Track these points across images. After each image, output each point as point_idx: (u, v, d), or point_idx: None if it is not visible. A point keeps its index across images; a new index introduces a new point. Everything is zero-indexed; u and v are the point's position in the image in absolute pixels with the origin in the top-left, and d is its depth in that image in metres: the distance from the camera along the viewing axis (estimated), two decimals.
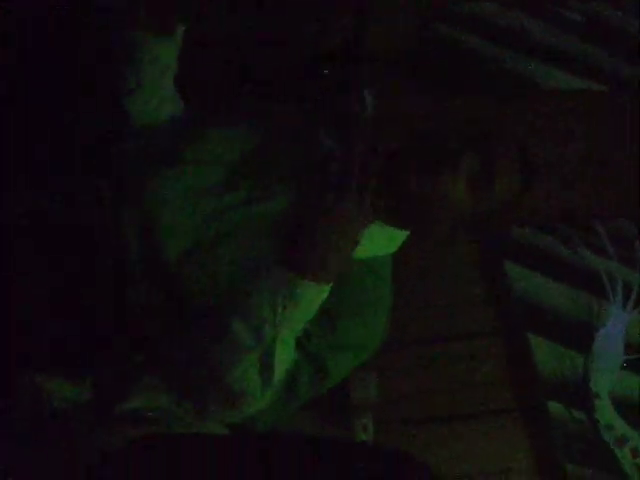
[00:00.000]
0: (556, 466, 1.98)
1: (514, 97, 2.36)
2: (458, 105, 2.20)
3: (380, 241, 1.40)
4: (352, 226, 1.24)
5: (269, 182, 1.32)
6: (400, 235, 1.44)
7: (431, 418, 2.00)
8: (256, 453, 1.19)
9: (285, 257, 1.21)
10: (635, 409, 2.03)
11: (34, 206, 1.30)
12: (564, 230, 2.21)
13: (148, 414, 1.20)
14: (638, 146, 2.34)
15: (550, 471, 1.99)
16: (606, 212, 2.26)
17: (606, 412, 2.00)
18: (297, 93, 1.91)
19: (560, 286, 2.14)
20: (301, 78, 1.90)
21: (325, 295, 1.23)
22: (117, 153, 1.37)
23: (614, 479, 1.97)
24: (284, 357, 1.21)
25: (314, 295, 1.21)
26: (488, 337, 2.09)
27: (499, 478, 1.98)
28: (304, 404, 1.35)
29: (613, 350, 2.06)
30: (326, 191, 1.29)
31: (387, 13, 2.21)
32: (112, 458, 1.15)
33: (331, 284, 1.23)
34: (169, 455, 1.19)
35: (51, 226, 1.28)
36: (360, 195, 1.27)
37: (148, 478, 1.15)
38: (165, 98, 1.43)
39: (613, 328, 2.08)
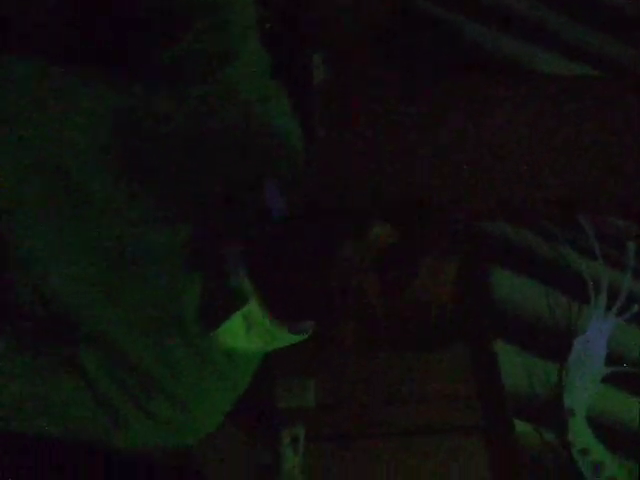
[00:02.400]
0: None
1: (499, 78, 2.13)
2: None
3: (256, 333, 1.07)
4: None
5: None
6: (284, 338, 1.10)
7: (380, 431, 1.77)
8: None
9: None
10: (617, 431, 1.77)
11: None
12: (546, 226, 1.96)
13: None
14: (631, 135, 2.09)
15: None
16: (598, 206, 2.01)
17: (581, 433, 1.74)
18: None
19: (535, 287, 1.89)
20: None
21: None
22: None
23: None
24: None
25: None
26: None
27: None
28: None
29: (592, 361, 1.80)
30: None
31: None
32: None
33: None
34: None
35: None
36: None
37: None
38: None
39: (593, 336, 1.82)
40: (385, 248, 0.99)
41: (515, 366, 1.81)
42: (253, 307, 1.04)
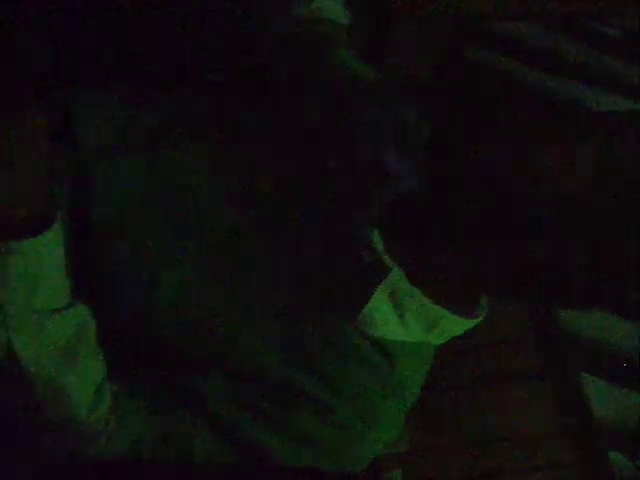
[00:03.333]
0: None
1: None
2: None
3: (414, 318, 0.89)
4: None
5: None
6: (456, 323, 0.91)
7: (476, 473, 1.76)
8: None
9: None
10: None
11: None
12: None
13: None
14: None
15: None
16: None
17: None
18: None
19: (616, 320, 1.90)
20: None
21: None
22: None
23: None
24: None
25: None
26: (538, 381, 1.86)
27: None
28: None
29: None
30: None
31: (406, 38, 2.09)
32: None
33: None
34: None
35: None
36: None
37: None
38: None
39: None
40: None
41: (603, 398, 1.81)
42: (397, 280, 0.86)
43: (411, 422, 1.72)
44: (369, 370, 0.88)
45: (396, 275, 0.86)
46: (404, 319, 0.87)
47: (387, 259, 0.87)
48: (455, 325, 0.90)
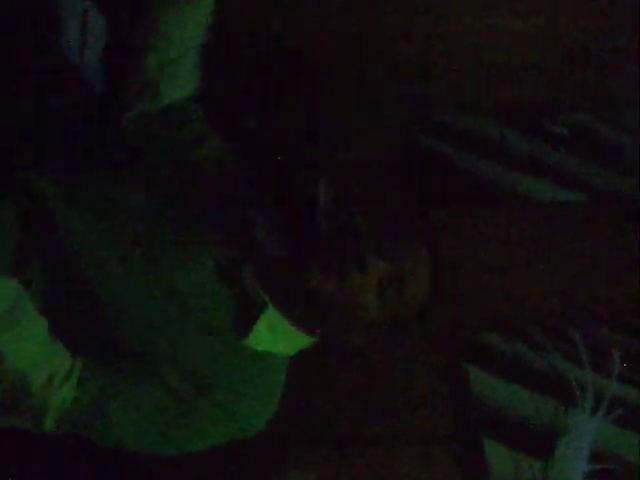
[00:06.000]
0: None
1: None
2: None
3: (279, 337, 1.37)
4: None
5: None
6: (301, 339, 1.41)
7: None
8: None
9: None
10: None
11: None
12: (535, 336, 2.12)
13: None
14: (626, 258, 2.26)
15: None
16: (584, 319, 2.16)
17: None
18: None
19: (525, 392, 2.03)
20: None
21: None
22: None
23: None
24: None
25: None
26: (443, 443, 1.99)
27: None
28: None
29: (576, 458, 1.91)
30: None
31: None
32: None
33: None
34: None
35: None
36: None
37: None
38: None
39: (578, 436, 1.94)
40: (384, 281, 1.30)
41: (503, 464, 1.93)
42: (272, 314, 1.34)
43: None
44: (253, 363, 1.35)
45: (272, 311, 1.34)
46: (274, 339, 1.35)
47: (265, 298, 1.35)
48: (304, 341, 1.40)
